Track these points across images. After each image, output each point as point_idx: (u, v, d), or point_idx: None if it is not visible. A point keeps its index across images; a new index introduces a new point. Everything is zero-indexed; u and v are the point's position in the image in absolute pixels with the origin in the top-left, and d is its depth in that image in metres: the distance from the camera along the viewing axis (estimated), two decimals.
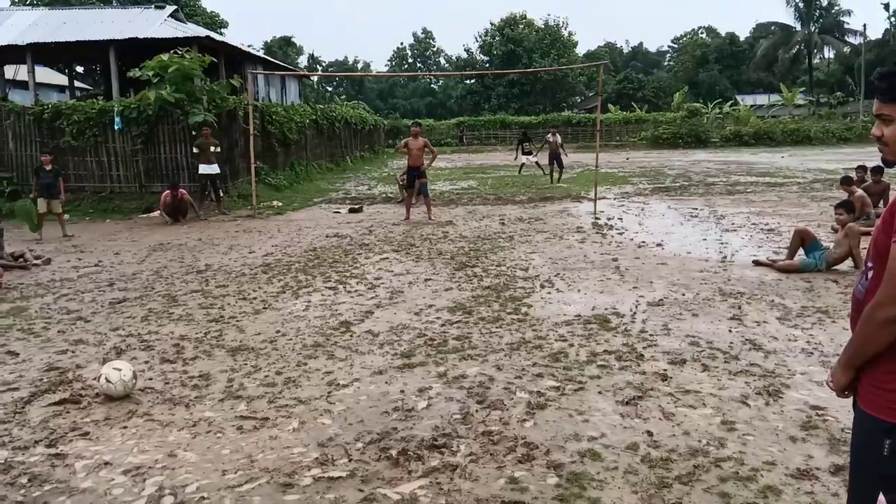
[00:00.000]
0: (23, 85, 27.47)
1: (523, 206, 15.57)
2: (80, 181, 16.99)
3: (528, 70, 58.12)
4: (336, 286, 8.14)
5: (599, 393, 4.66)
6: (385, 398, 4.68)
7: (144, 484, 3.58)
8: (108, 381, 4.72)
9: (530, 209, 15.05)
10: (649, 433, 4.01)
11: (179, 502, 3.39)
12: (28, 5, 38.62)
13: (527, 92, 69.17)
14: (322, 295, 7.74)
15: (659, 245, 10.23)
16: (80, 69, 38.78)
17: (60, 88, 37.73)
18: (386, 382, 4.98)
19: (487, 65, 72.12)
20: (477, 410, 4.42)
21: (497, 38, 71.50)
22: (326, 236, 12.01)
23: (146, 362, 5.56)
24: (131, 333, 6.41)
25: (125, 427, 4.33)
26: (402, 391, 4.80)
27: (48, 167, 12.88)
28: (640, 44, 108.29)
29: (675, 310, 6.69)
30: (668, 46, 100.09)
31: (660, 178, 22.29)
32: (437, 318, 6.65)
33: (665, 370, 5.05)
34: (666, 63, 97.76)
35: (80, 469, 3.77)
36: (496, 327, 6.27)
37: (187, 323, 6.74)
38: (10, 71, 28.21)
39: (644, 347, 5.58)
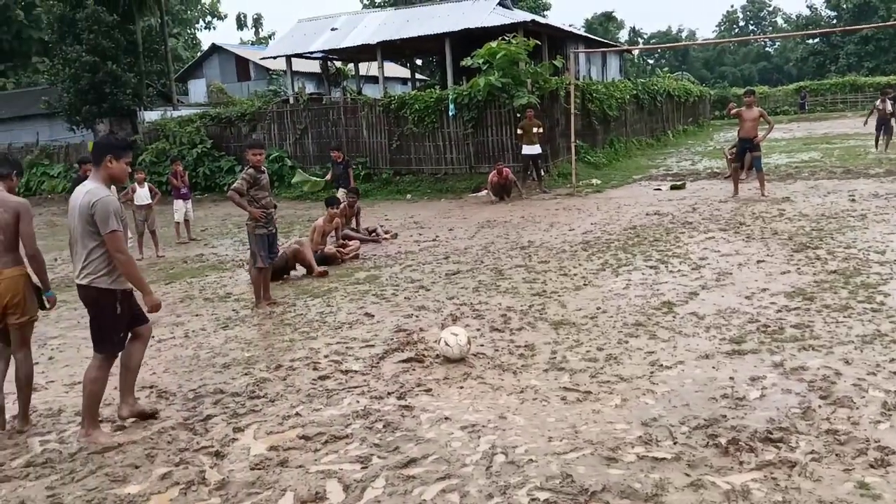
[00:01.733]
0: (373, 79, 31.25)
1: (880, 180, 13.53)
2: (419, 164, 18.85)
3: (888, 23, 50.00)
4: (657, 265, 7.93)
5: None
6: (712, 383, 4.46)
7: (479, 441, 3.89)
8: (446, 344, 5.21)
9: (889, 183, 13.02)
10: None
11: (510, 461, 3.61)
12: (377, 7, 43.65)
13: (884, 48, 59.59)
14: (642, 274, 7.61)
15: None
16: (419, 61, 42.87)
17: (403, 81, 42.19)
18: (713, 367, 4.75)
19: (835, 21, 63.71)
20: (820, 406, 4.00)
21: None
22: (646, 214, 11.75)
23: (478, 330, 6.00)
24: (465, 302, 6.97)
25: (461, 387, 4.74)
26: (731, 378, 4.53)
27: (339, 160, 13.77)
28: None
29: None
30: None
31: None
32: (772, 303, 6.13)
33: None
34: None
35: (424, 421, 4.23)
36: (844, 316, 5.58)
37: (513, 295, 7.12)
38: (364, 67, 32.29)
39: None
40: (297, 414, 4.49)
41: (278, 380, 5.17)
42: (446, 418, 4.22)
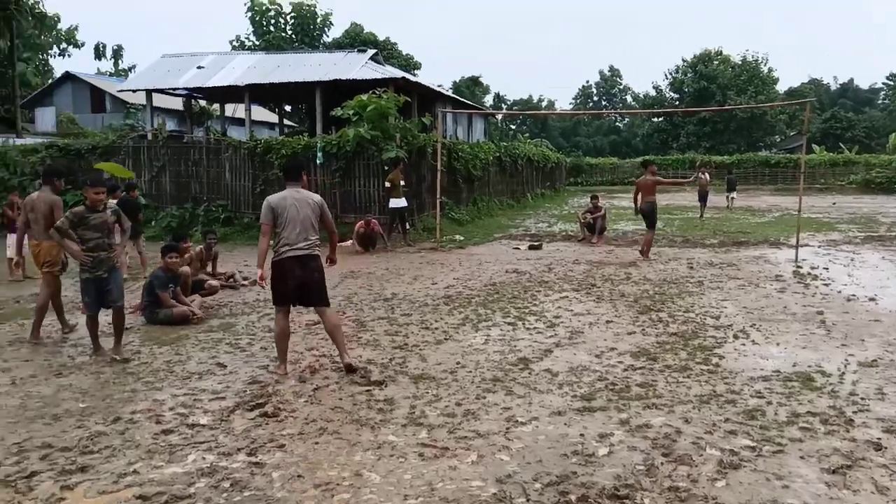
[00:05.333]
0: (239, 122, 30.61)
1: (714, 250, 14.77)
2: None
3: (722, 108, 55.46)
4: (515, 322, 8.14)
5: (801, 458, 4.25)
6: (564, 440, 4.58)
7: (333, 500, 3.75)
8: None
9: (722, 254, 14.23)
10: None
11: None
12: (247, 50, 43.04)
13: (720, 130, 66.00)
14: (501, 330, 7.78)
15: (872, 299, 9.24)
16: (288, 108, 42.50)
17: (270, 125, 41.59)
18: (565, 424, 4.88)
19: (677, 102, 69.86)
20: (662, 463, 4.20)
21: (689, 75, 69.10)
22: (506, 272, 12.10)
23: (336, 383, 5.86)
24: (324, 354, 6.80)
25: (317, 443, 4.58)
26: (581, 435, 4.67)
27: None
28: (851, 80, 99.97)
29: (891, 372, 5.99)
30: (883, 83, 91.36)
31: (872, 225, 20.24)
32: (619, 362, 6.44)
33: (879, 439, 4.52)
34: (880, 101, 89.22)
35: (276, 479, 4.03)
36: (684, 377, 5.94)
37: (374, 348, 7.05)
38: (230, 109, 31.56)
39: (854, 412, 5.03)
40: (135, 471, 4.15)
41: (115, 433, 4.77)
42: (299, 476, 4.05)
